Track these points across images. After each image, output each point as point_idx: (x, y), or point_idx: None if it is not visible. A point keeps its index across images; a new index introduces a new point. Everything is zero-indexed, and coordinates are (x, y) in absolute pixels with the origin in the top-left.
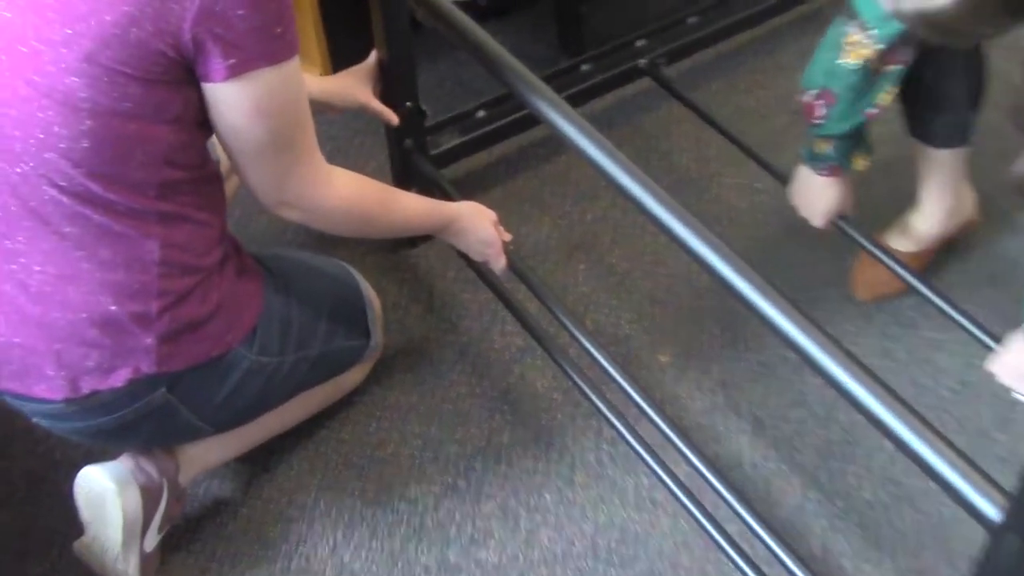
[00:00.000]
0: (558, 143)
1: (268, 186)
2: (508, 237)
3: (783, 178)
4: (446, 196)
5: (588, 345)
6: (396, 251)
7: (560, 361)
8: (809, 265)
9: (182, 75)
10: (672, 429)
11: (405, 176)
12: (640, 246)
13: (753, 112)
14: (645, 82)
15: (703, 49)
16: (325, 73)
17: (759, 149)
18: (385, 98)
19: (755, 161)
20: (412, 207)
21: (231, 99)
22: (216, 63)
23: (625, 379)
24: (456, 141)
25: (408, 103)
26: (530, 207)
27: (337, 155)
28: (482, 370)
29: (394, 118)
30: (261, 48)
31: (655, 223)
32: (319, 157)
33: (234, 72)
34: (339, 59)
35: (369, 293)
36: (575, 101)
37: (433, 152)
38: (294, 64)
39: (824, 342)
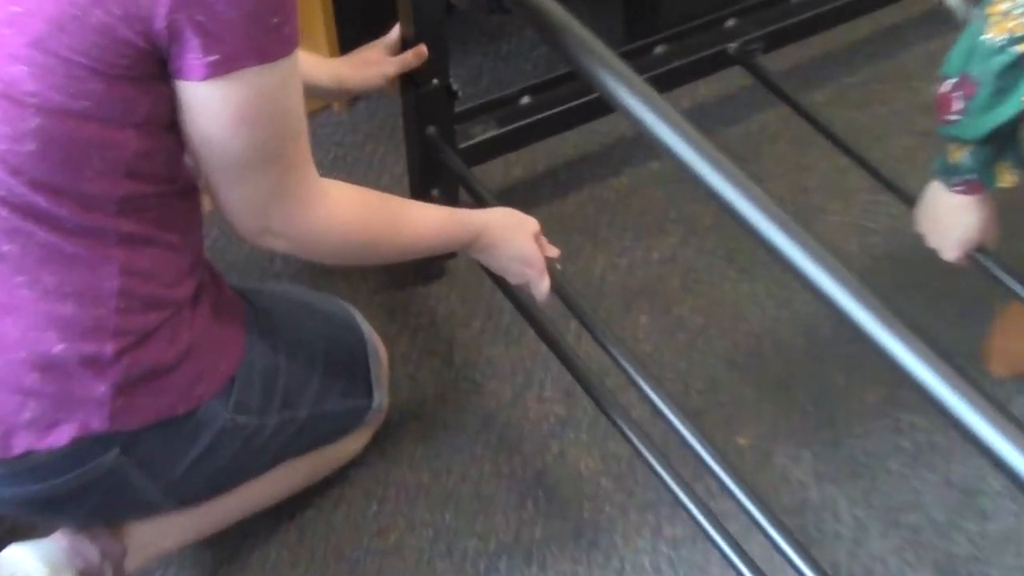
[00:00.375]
0: (619, 160)
1: (248, 210)
2: (555, 252)
3: (897, 217)
4: (477, 201)
5: (661, 405)
6: (409, 288)
7: (619, 421)
8: (926, 326)
9: (153, 70)
10: (782, 535)
11: (426, 174)
12: (717, 295)
13: (866, 131)
14: (729, 86)
15: (810, 36)
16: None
17: (873, 178)
18: (409, 78)
19: (871, 191)
20: (427, 221)
21: (209, 103)
22: (194, 58)
23: (714, 458)
24: (492, 133)
25: (435, 80)
26: (581, 239)
27: (340, 166)
28: (512, 445)
29: (422, 51)
30: (251, 43)
31: (773, 252)
32: (312, 173)
33: (216, 71)
34: (350, 43)
35: (374, 341)
36: None
37: (463, 145)
38: (291, 63)
39: (998, 419)
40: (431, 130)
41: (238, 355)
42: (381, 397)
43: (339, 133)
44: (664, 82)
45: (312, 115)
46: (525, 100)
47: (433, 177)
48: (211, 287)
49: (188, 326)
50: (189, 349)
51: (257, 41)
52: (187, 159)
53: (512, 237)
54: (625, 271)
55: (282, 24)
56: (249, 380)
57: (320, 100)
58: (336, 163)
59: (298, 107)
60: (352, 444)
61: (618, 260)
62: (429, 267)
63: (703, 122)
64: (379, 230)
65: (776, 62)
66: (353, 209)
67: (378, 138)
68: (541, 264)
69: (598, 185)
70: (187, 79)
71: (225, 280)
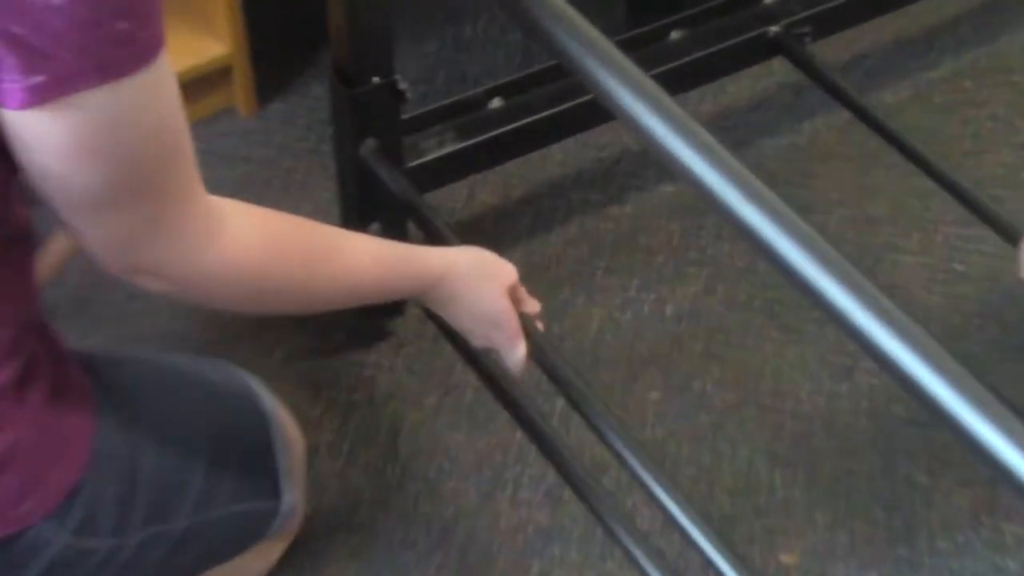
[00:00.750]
0: (621, 183)
1: (112, 249)
2: (535, 307)
3: (993, 257)
4: (430, 239)
5: (677, 511)
6: (340, 352)
7: (620, 533)
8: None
9: None
10: None
11: (362, 202)
12: (754, 364)
13: (953, 143)
14: (768, 83)
15: (876, 16)
16: (237, 49)
17: (962, 205)
18: (340, 74)
19: (958, 223)
20: (366, 259)
21: (41, 136)
22: (11, 81)
23: None
24: (451, 147)
25: (376, 78)
26: (570, 288)
27: (247, 189)
28: (478, 565)
29: None
30: (90, 57)
31: (826, 307)
32: (199, 199)
33: (42, 96)
34: (259, 27)
35: (283, 423)
36: None
37: (412, 163)
38: (153, 74)
39: None
40: (370, 143)
41: (82, 456)
42: (293, 499)
43: (245, 145)
44: (681, 78)
45: (209, 120)
46: (495, 103)
47: (372, 206)
48: (46, 366)
49: (9, 422)
50: (10, 454)
51: (99, 55)
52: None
53: (480, 287)
54: (629, 331)
55: (136, 30)
56: (99, 490)
57: (220, 99)
58: (241, 185)
59: (173, 123)
60: (255, 563)
61: (620, 316)
62: (368, 324)
63: (734, 132)
64: (296, 269)
65: (831, 51)
66: (260, 240)
67: (298, 152)
68: (515, 324)
69: (593, 216)
70: (5, 107)
71: (69, 351)
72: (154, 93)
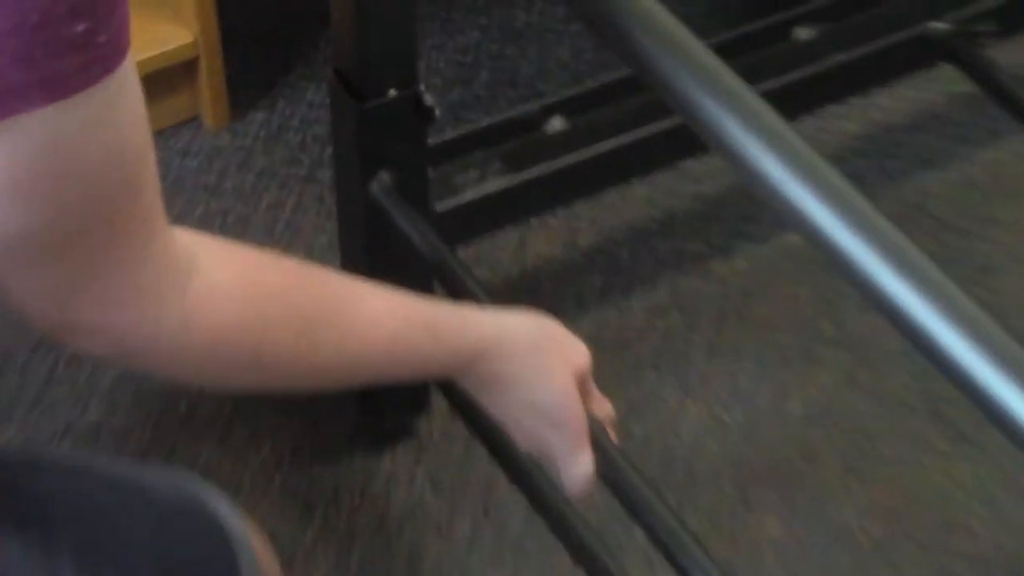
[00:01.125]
0: (726, 228)
1: (46, 299)
2: (607, 410)
3: None
4: (462, 296)
5: None
6: (341, 455)
7: None
8: None
9: None
10: None
11: (370, 256)
12: (912, 484)
13: None
14: (933, 99)
15: None
16: (206, 38)
17: None
18: (345, 82)
19: None
20: (388, 319)
21: None
22: None
23: None
24: (494, 184)
25: (393, 90)
26: (658, 376)
27: (214, 227)
28: None
29: None
30: (34, 70)
31: (1009, 422)
32: (161, 236)
33: None
34: (234, 9)
35: (257, 555)
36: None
37: (441, 206)
38: (115, 85)
39: None
40: (384, 178)
41: None
42: None
43: (213, 168)
44: (810, 92)
45: (165, 134)
46: (555, 124)
47: (385, 261)
48: None
49: None
50: None
51: (47, 66)
52: None
53: (539, 368)
54: (739, 436)
55: (96, 30)
56: None
57: (181, 105)
58: (204, 224)
59: (135, 145)
60: None
61: (726, 414)
62: (379, 421)
63: (885, 162)
64: (290, 336)
65: (1018, 56)
66: (240, 297)
67: (285, 180)
68: (581, 423)
69: (691, 274)
70: None
71: None
72: (114, 110)
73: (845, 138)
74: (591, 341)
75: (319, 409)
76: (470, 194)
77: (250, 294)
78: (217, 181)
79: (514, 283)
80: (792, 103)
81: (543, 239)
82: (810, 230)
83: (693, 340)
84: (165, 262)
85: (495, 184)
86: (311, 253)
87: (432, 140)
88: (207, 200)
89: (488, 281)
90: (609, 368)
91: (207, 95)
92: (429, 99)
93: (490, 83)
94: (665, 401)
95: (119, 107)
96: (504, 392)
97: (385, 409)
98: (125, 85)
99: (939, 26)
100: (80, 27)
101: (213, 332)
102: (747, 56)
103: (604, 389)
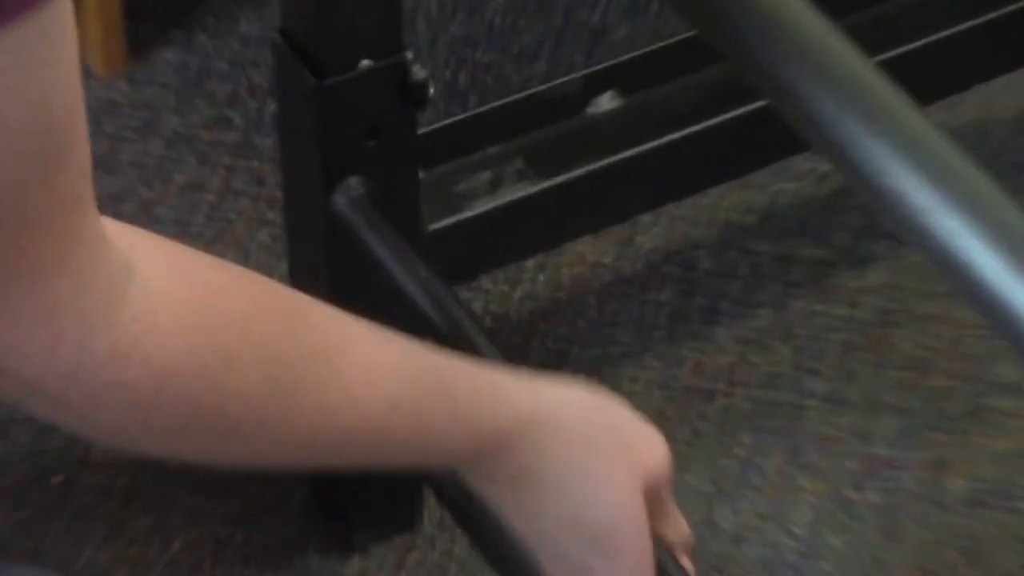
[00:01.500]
0: (851, 235)
1: None
2: (683, 531)
3: None
4: (464, 353)
5: None
6: (288, 561)
7: None
8: None
9: None
10: None
11: (331, 288)
12: None
13: None
14: None
15: None
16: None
17: None
18: (296, 48)
19: None
20: (382, 370)
21: None
22: None
23: None
24: (510, 198)
25: (366, 60)
26: (757, 443)
27: (136, 214)
28: None
29: None
30: None
31: None
32: (86, 234)
33: None
34: None
35: None
36: None
37: (435, 225)
38: (42, 22)
39: None
40: (352, 184)
41: None
42: None
43: (106, 131)
44: (946, 72)
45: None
46: (601, 106)
47: (353, 296)
48: None
49: None
50: None
51: None
52: None
53: (592, 468)
54: (875, 526)
55: None
56: None
57: None
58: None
59: (64, 105)
60: None
61: (857, 497)
62: (360, 518)
63: None
64: (255, 383)
65: None
66: (192, 324)
67: (208, 148)
68: (644, 559)
69: (801, 293)
70: None
71: None
72: (39, 56)
73: (997, 127)
74: (656, 390)
75: (265, 491)
76: (478, 207)
77: (206, 321)
78: (109, 151)
79: (529, 315)
80: (918, 86)
81: (575, 260)
82: (953, 269)
83: (806, 386)
84: (91, 267)
85: (514, 191)
86: (246, 257)
87: (423, 129)
88: (95, 178)
89: (496, 328)
90: (683, 432)
91: (95, 28)
92: (420, 72)
93: (505, 62)
94: (767, 478)
95: (44, 55)
96: (536, 500)
97: (346, 512)
98: (55, 27)
99: None
100: None
101: (154, 366)
102: (857, 18)
103: (675, 466)
